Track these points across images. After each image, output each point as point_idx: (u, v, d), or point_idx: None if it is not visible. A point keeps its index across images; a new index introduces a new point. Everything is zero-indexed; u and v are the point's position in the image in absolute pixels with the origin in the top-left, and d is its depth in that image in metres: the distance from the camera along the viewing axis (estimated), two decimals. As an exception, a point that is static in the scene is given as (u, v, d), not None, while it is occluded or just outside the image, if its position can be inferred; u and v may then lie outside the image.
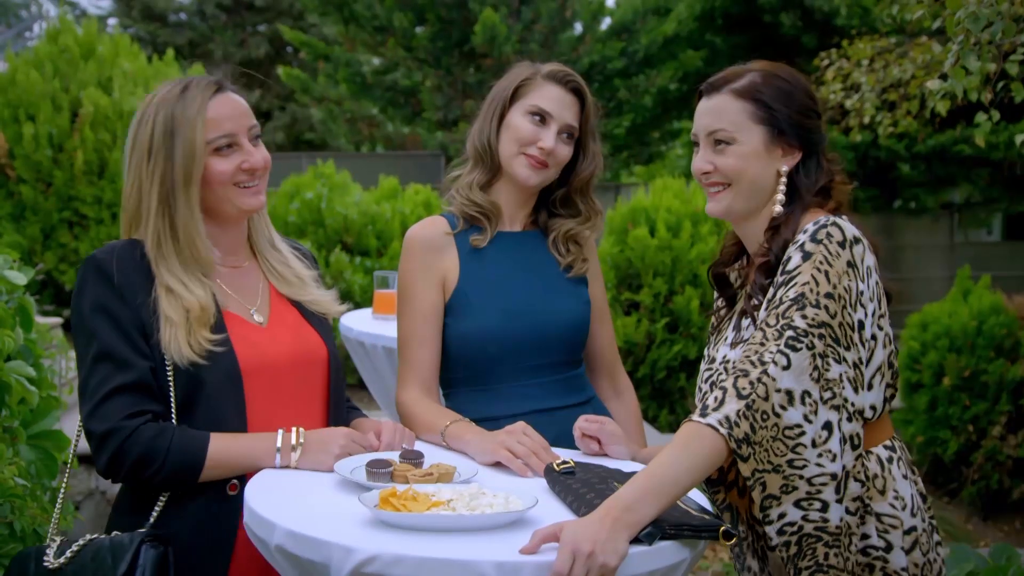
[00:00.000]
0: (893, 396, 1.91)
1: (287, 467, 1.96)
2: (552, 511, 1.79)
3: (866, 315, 1.81)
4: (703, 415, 1.70)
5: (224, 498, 2.01)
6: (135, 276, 2.02)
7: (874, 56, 6.53)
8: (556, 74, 2.36)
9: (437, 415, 2.25)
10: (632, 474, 1.90)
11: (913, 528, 1.85)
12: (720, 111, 1.97)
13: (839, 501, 1.74)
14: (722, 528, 1.67)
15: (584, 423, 2.19)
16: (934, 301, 8.57)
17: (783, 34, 13.16)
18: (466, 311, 2.35)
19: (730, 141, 1.96)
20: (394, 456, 1.98)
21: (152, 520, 2.00)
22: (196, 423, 1.99)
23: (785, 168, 1.96)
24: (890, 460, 1.87)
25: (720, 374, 1.99)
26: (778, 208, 1.94)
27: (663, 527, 1.63)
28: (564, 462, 1.94)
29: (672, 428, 7.40)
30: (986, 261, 13.70)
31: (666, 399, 7.46)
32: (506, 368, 2.35)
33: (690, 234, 7.55)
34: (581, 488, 1.80)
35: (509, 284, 2.38)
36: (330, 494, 1.85)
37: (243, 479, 2.00)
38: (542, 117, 2.35)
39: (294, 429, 1.98)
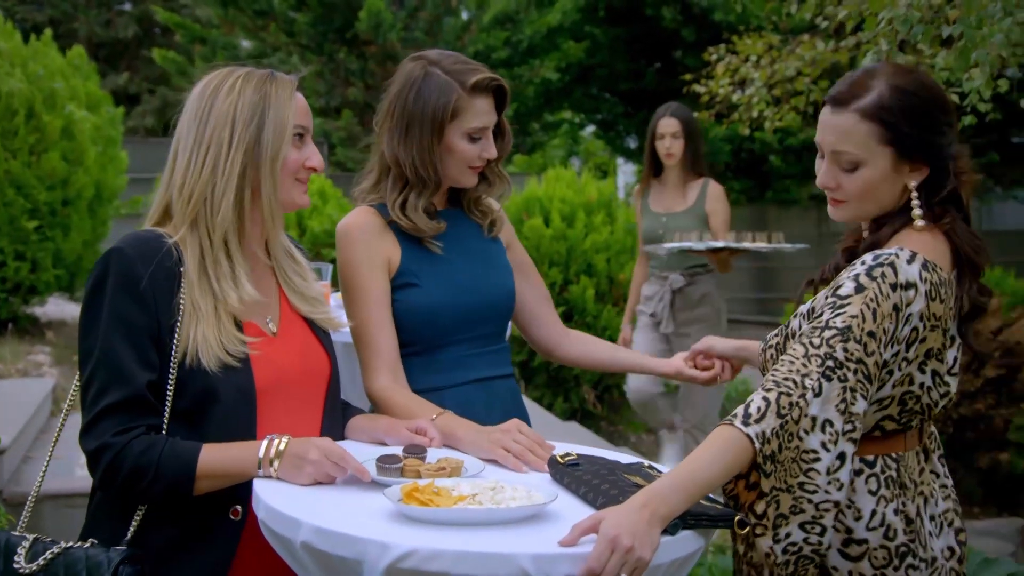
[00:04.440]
0: (897, 432, 1.94)
1: (269, 478, 1.89)
2: (574, 502, 1.83)
3: (891, 356, 1.87)
4: (745, 423, 1.75)
5: (224, 521, 1.97)
6: (162, 276, 1.95)
7: (762, 53, 6.74)
8: (480, 84, 2.38)
9: (418, 406, 2.27)
10: (632, 465, 1.98)
11: (864, 540, 1.89)
12: (846, 132, 1.92)
13: (834, 527, 1.83)
14: (737, 518, 1.75)
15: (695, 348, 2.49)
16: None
17: (664, 27, 13.45)
18: (417, 286, 2.40)
19: (857, 165, 1.94)
20: (398, 451, 1.98)
21: (130, 535, 1.94)
22: (208, 436, 1.94)
23: (914, 183, 1.95)
24: (859, 473, 1.91)
25: (776, 338, 2.04)
26: (920, 223, 1.95)
27: (685, 517, 1.69)
28: (567, 454, 1.98)
29: (568, 416, 7.51)
30: (848, 250, 14.28)
31: (561, 387, 7.58)
32: (452, 339, 2.42)
33: (584, 224, 7.67)
34: (593, 479, 1.84)
35: (450, 259, 2.44)
36: (344, 490, 1.84)
37: (246, 505, 1.95)
38: (480, 133, 2.40)
39: (275, 441, 1.91)
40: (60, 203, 7.61)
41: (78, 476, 4.77)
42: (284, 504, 1.72)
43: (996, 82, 3.54)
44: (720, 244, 5.04)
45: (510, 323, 2.67)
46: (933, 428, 2.08)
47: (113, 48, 22.11)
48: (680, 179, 5.48)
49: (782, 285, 14.11)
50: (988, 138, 11.62)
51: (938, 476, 2.05)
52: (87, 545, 1.91)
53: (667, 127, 5.39)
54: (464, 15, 14.46)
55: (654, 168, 5.54)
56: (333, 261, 3.26)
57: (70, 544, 1.91)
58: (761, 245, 5.07)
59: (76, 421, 2.02)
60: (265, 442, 1.91)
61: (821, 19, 6.15)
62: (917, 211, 1.96)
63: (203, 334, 1.94)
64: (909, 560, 1.92)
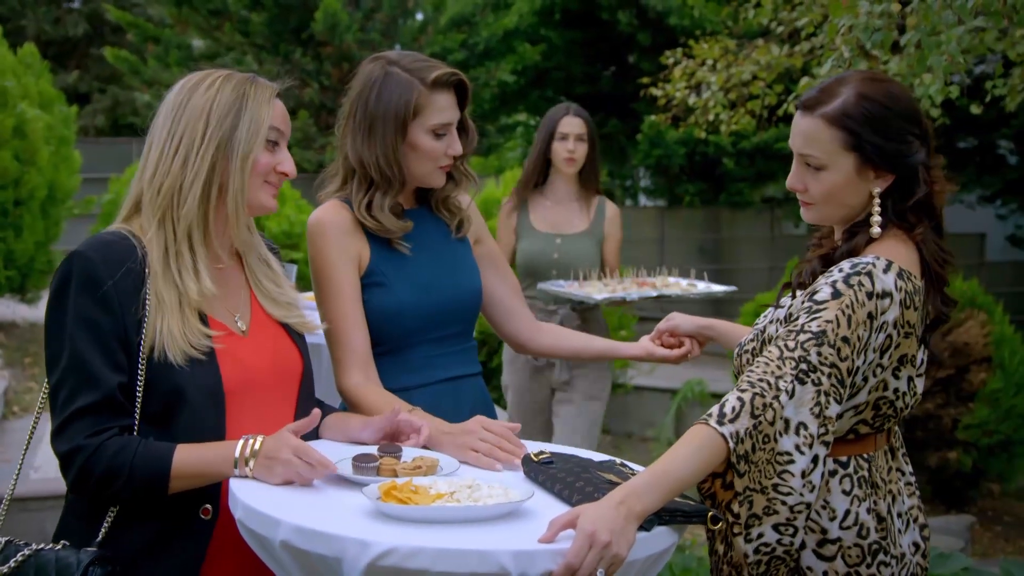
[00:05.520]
0: (869, 435, 1.99)
1: (244, 477, 1.91)
2: (550, 500, 1.85)
3: (864, 363, 1.91)
4: (720, 422, 1.79)
5: (195, 521, 1.97)
6: (125, 277, 1.95)
7: (719, 57, 6.82)
8: (440, 80, 2.40)
9: (390, 403, 2.28)
10: (604, 463, 2.02)
11: (838, 540, 1.94)
12: (811, 136, 1.99)
13: (809, 528, 1.89)
14: (710, 513, 1.79)
15: (660, 327, 2.56)
16: (757, 291, 9.00)
17: (620, 31, 13.52)
18: (383, 286, 2.42)
19: (820, 167, 1.99)
20: (373, 450, 1.98)
21: (101, 536, 1.94)
22: (177, 438, 1.94)
23: (878, 190, 1.99)
24: (833, 474, 1.96)
25: (752, 343, 2.09)
26: (876, 230, 1.99)
27: (660, 513, 1.73)
28: (541, 452, 2.00)
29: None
30: (799, 252, 14.46)
31: (519, 388, 7.58)
32: (419, 339, 2.44)
33: (542, 226, 7.69)
34: (568, 477, 1.87)
35: (417, 259, 2.47)
36: (322, 489, 1.85)
37: (217, 504, 1.97)
38: (444, 129, 2.42)
39: (251, 440, 1.92)
40: (12, 203, 7.49)
41: (30, 480, 4.74)
42: (262, 503, 1.72)
43: (948, 88, 3.62)
44: (627, 296, 4.13)
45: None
46: (897, 427, 2.12)
47: (62, 46, 21.75)
48: (574, 193, 4.59)
49: (737, 286, 14.26)
50: (936, 143, 11.83)
51: (904, 474, 2.10)
52: (58, 547, 1.91)
53: (571, 126, 4.47)
54: (420, 17, 14.44)
55: (541, 177, 4.58)
56: (293, 262, 3.23)
57: (41, 546, 1.91)
58: (675, 291, 4.34)
59: (25, 425, 2.02)
60: (241, 442, 1.92)
61: (775, 24, 6.25)
62: (876, 218, 2.00)
63: (168, 327, 1.94)
64: (881, 557, 1.97)
